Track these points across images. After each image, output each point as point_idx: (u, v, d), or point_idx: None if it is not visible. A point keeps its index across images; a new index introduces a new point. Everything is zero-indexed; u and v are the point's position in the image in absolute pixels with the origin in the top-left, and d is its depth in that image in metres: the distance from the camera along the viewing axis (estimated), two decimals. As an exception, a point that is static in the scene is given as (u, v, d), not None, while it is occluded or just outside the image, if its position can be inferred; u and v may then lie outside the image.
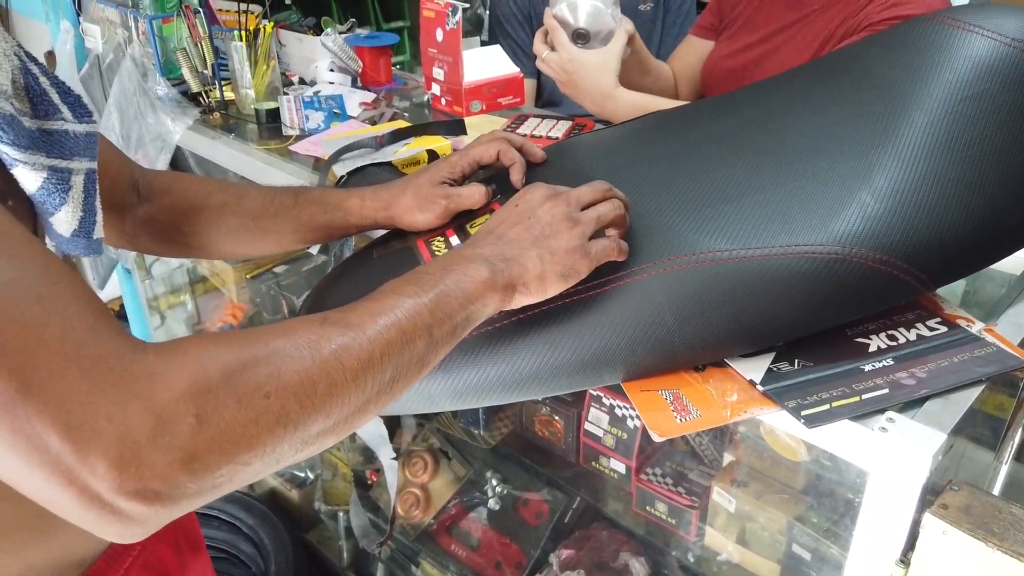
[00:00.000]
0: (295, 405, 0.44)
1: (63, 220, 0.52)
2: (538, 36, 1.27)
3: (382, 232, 0.88)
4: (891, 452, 0.61)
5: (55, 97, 0.52)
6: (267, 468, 0.45)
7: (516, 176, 0.84)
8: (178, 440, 0.40)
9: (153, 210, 0.82)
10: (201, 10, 1.44)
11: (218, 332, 0.54)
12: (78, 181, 0.53)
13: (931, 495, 0.61)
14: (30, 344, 0.38)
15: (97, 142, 0.56)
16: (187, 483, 0.40)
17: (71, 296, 0.41)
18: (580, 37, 1.24)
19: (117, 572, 0.66)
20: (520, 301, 0.62)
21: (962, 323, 0.72)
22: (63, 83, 0.53)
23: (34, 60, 0.52)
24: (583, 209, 0.66)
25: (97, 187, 0.55)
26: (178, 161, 1.51)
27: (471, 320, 0.57)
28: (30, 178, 0.49)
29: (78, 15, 1.70)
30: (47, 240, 0.54)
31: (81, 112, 0.54)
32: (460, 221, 0.82)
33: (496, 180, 0.85)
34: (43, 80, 0.51)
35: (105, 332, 0.41)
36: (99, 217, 0.56)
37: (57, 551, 0.60)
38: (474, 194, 0.81)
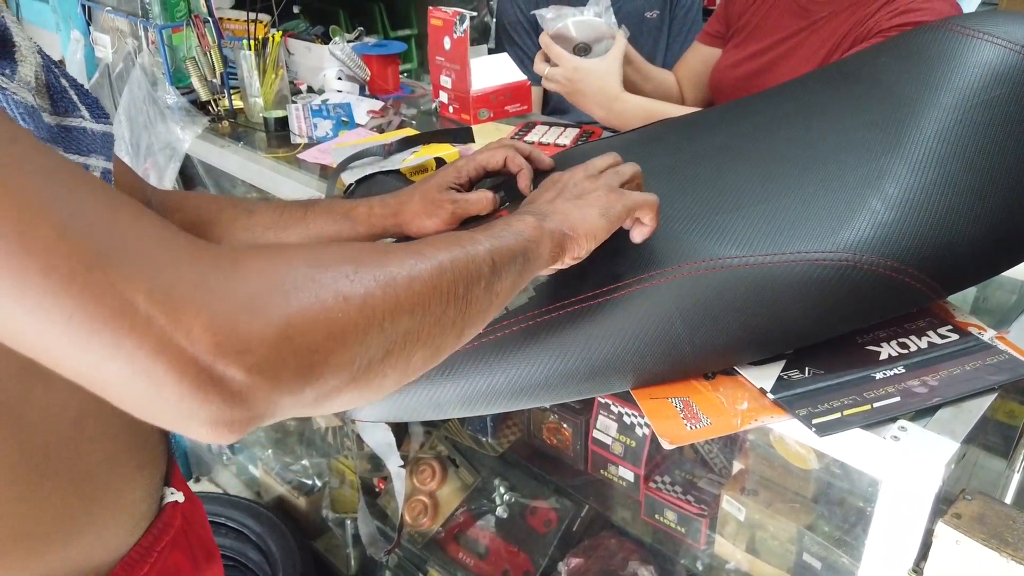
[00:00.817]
0: (377, 290, 0.43)
1: None
2: (538, 57, 1.28)
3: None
4: (903, 461, 0.60)
5: (74, 96, 0.52)
6: (364, 365, 0.43)
7: (523, 183, 0.84)
8: (271, 308, 0.38)
9: None
10: (210, 19, 1.45)
11: (295, 245, 0.56)
12: None
13: (943, 504, 0.61)
14: (104, 219, 0.36)
15: (113, 143, 0.56)
16: (287, 354, 0.38)
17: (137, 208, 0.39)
18: (581, 51, 1.26)
19: None
20: (572, 250, 0.63)
21: (973, 331, 0.71)
22: (81, 85, 0.54)
23: (53, 62, 0.52)
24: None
25: (113, 188, 0.56)
26: (187, 169, 1.51)
27: (528, 253, 0.58)
28: None
29: (88, 25, 1.71)
30: None
31: (98, 113, 0.54)
32: (469, 228, 0.82)
33: (504, 188, 0.85)
34: (63, 80, 0.52)
35: (177, 237, 0.39)
36: None
37: (74, 557, 0.60)
38: (481, 200, 0.81)
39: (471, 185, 0.85)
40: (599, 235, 0.64)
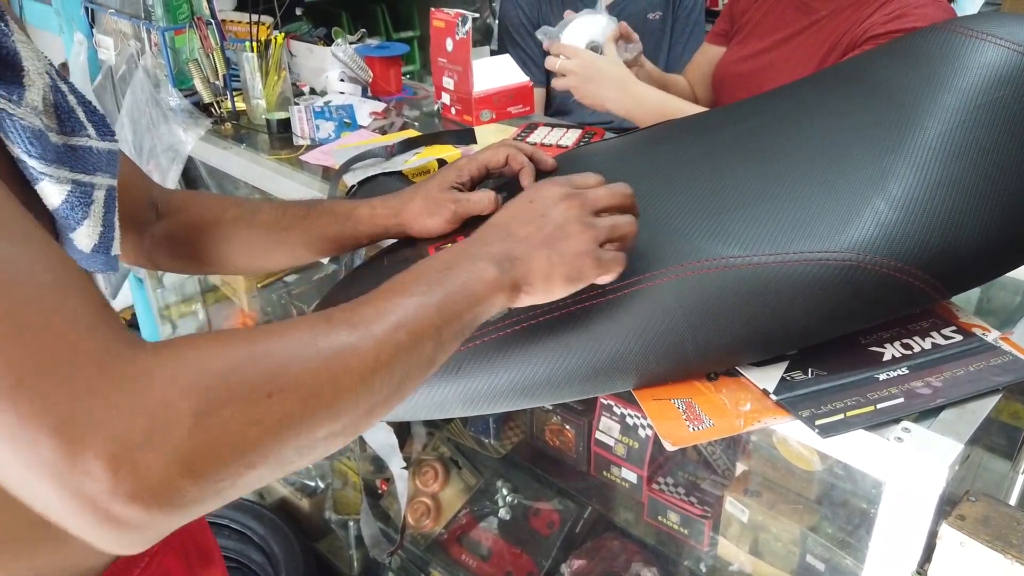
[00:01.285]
0: (299, 407, 0.42)
1: (84, 235, 0.52)
2: (548, 60, 1.30)
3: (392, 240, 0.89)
4: (907, 462, 0.60)
5: (81, 115, 0.52)
6: (272, 473, 0.43)
7: (526, 180, 0.84)
8: (175, 441, 0.38)
9: (171, 227, 0.82)
10: (213, 22, 1.45)
11: (219, 331, 0.52)
12: (99, 196, 0.53)
13: (947, 506, 0.61)
14: (27, 340, 0.37)
15: (118, 161, 0.56)
16: (187, 487, 0.38)
17: (76, 291, 0.40)
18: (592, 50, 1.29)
19: None
20: (525, 301, 0.60)
21: (977, 331, 0.71)
22: (89, 102, 0.54)
23: (63, 79, 0.53)
24: (598, 213, 0.64)
25: (116, 204, 0.56)
26: (190, 171, 1.51)
27: (477, 319, 0.56)
28: (54, 192, 0.49)
29: (91, 27, 1.72)
30: None
31: (104, 131, 0.54)
32: (471, 228, 0.82)
33: (507, 188, 0.85)
34: (71, 98, 0.52)
35: (103, 330, 0.40)
36: (117, 234, 0.56)
37: (66, 558, 0.60)
38: (483, 199, 0.81)
39: (473, 185, 0.85)
40: (558, 295, 0.61)
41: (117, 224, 0.56)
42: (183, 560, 0.74)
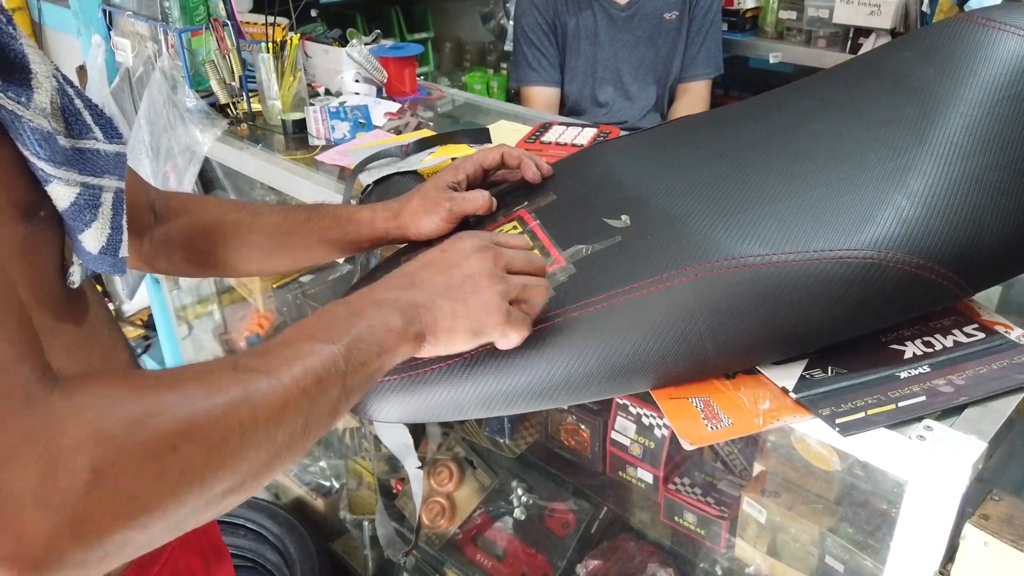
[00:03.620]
0: (202, 458, 0.41)
1: (92, 237, 0.53)
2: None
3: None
4: (929, 461, 0.59)
5: (88, 118, 0.53)
6: (165, 535, 0.41)
7: (529, 173, 0.84)
8: (68, 497, 0.36)
9: (171, 230, 0.82)
10: (229, 23, 1.46)
11: (131, 371, 0.52)
12: (107, 198, 0.54)
13: (971, 505, 0.60)
14: None
15: (125, 163, 0.57)
16: (72, 550, 0.36)
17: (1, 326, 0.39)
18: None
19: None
20: (428, 351, 0.59)
21: (1000, 329, 0.70)
22: (95, 105, 0.55)
23: (69, 82, 0.53)
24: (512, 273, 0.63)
25: (124, 207, 0.56)
26: (206, 172, 1.52)
27: (383, 369, 0.55)
28: (63, 194, 0.50)
29: (109, 29, 1.73)
30: (75, 259, 0.55)
31: (112, 133, 0.55)
32: (469, 229, 0.82)
33: (520, 192, 0.85)
34: (77, 101, 0.52)
35: (21, 368, 0.38)
36: (125, 236, 0.57)
37: None
38: (478, 198, 0.81)
39: (470, 185, 0.86)
40: (461, 348, 0.60)
41: (125, 227, 0.57)
42: (201, 557, 0.75)
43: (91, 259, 0.54)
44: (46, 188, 0.49)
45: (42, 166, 0.48)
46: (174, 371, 0.45)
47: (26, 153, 0.47)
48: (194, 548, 0.74)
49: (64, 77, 0.53)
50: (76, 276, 0.56)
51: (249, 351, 0.49)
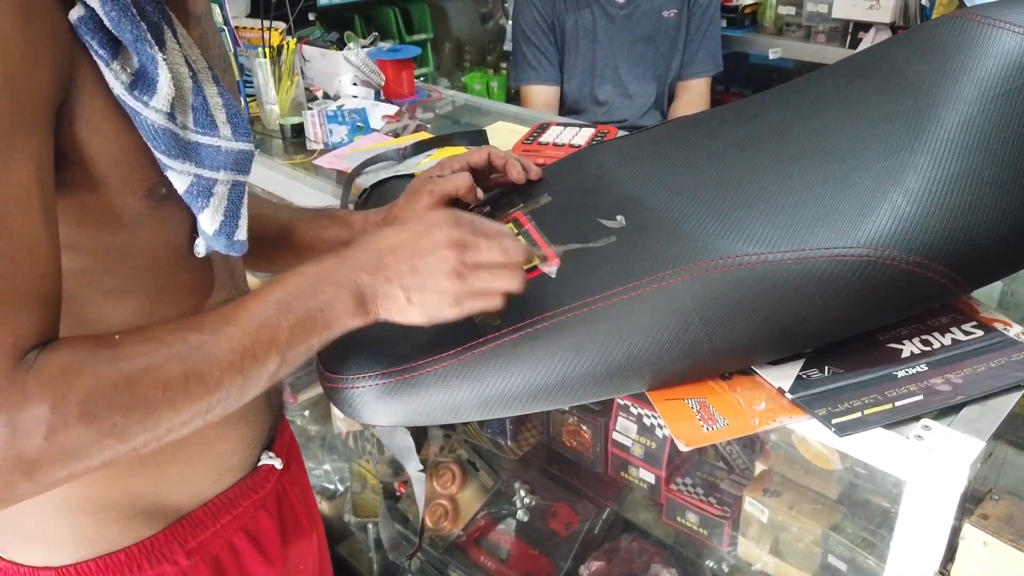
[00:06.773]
0: (138, 428, 0.49)
1: (207, 219, 0.60)
2: None
3: None
4: (927, 460, 0.59)
5: (222, 116, 0.59)
6: (99, 469, 0.50)
7: (514, 173, 0.86)
8: (25, 453, 0.45)
9: None
10: (226, 28, 1.46)
11: (103, 335, 0.52)
12: (221, 190, 0.60)
13: (970, 504, 0.59)
14: None
15: (251, 160, 0.62)
16: (24, 486, 0.46)
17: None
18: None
19: (214, 524, 0.72)
20: (365, 319, 0.62)
21: (999, 327, 0.70)
22: (234, 106, 0.60)
23: (218, 82, 0.59)
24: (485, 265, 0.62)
25: (245, 198, 0.62)
26: (205, 177, 1.52)
27: (326, 341, 0.59)
28: (178, 180, 0.57)
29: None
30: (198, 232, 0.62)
31: (242, 132, 0.60)
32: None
33: (515, 194, 0.85)
34: (215, 100, 0.58)
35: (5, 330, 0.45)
36: (242, 223, 0.62)
37: (157, 489, 0.68)
38: (457, 179, 0.82)
39: None
40: (413, 323, 0.62)
41: (244, 215, 0.62)
42: (277, 522, 0.80)
43: (209, 237, 0.61)
44: (165, 173, 0.56)
45: (158, 156, 0.55)
46: (137, 335, 0.51)
47: (148, 143, 0.54)
48: (272, 512, 0.79)
49: (214, 77, 0.59)
50: (200, 248, 0.63)
51: (215, 313, 0.55)
